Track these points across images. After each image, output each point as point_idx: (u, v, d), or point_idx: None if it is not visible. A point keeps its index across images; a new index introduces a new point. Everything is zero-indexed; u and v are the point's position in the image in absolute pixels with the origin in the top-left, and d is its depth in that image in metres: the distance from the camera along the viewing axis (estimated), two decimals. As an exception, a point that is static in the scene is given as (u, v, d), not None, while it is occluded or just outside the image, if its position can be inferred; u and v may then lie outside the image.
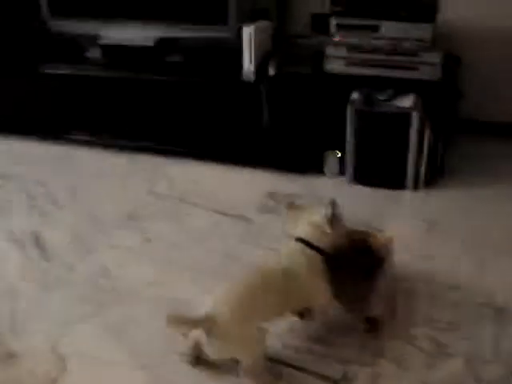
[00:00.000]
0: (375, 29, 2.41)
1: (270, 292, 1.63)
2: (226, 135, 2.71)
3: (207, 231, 2.32)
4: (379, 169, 2.51)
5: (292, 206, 1.84)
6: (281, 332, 1.79)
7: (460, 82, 2.72)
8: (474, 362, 1.71)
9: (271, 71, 2.50)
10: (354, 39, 2.44)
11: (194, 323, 1.59)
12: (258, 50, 2.54)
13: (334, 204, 1.72)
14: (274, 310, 1.67)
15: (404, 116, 2.38)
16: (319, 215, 1.73)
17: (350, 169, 2.57)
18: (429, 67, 2.40)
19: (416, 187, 2.53)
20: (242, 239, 2.27)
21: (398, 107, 2.39)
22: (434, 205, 2.41)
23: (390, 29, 2.39)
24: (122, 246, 2.25)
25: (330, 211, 1.71)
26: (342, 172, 2.62)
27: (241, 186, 2.62)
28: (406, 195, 2.53)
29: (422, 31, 2.36)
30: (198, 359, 1.69)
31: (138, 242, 2.26)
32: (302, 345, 1.77)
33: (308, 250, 1.71)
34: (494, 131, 2.98)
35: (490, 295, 1.95)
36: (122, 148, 2.93)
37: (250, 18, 2.72)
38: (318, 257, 1.72)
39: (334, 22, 2.44)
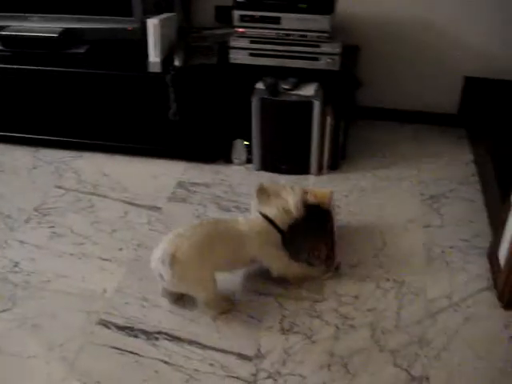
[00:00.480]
0: (277, 21, 2.48)
1: (227, 246, 1.87)
2: (135, 127, 2.71)
3: (117, 222, 2.33)
4: (284, 155, 2.60)
5: (262, 188, 2.03)
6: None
7: (359, 70, 2.85)
8: (377, 333, 1.84)
9: (177, 63, 2.53)
10: (256, 30, 2.51)
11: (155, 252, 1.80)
12: (164, 42, 2.56)
13: (303, 192, 1.98)
14: (227, 261, 1.90)
15: (306, 104, 2.47)
16: (288, 200, 1.97)
17: (256, 156, 2.64)
18: (329, 57, 2.50)
19: (320, 172, 2.64)
20: (152, 227, 2.30)
21: (301, 96, 2.49)
22: (337, 188, 2.52)
23: (290, 21, 2.47)
24: (31, 240, 2.23)
25: (298, 199, 1.97)
26: (249, 160, 2.69)
27: (151, 177, 2.63)
28: (310, 179, 2.62)
29: (321, 23, 2.45)
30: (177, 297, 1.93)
31: (47, 235, 2.25)
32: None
33: (270, 227, 1.95)
34: (392, 117, 3.13)
35: (390, 271, 2.09)
36: (27, 142, 2.86)
37: (155, 10, 2.74)
38: (277, 235, 1.96)
39: (236, 13, 2.50)
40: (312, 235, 2.13)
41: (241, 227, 1.93)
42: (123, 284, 2.01)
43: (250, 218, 2.01)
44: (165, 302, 1.93)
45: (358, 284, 2.03)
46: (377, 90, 3.06)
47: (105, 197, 2.48)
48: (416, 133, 3.05)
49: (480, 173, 2.67)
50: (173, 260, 1.75)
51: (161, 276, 1.80)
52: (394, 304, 1.95)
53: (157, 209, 2.39)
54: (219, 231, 1.89)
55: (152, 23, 2.49)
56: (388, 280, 2.05)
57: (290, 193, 2.00)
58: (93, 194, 2.50)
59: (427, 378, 1.69)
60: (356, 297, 1.98)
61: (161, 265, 1.77)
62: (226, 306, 1.92)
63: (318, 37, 2.48)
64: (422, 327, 1.86)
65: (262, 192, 2.03)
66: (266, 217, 1.96)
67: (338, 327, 1.85)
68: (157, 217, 2.36)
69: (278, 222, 1.96)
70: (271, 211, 1.97)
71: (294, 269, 2.00)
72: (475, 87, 2.98)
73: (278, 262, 1.97)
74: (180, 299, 1.94)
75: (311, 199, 2.05)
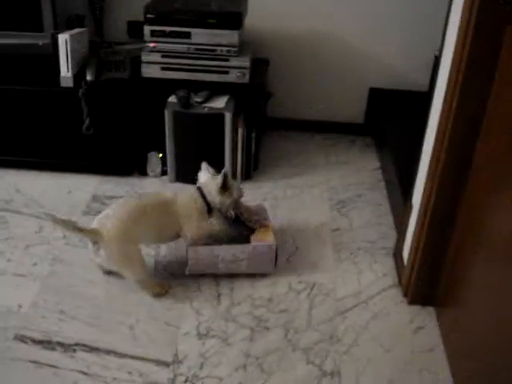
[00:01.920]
0: (187, 35, 2.54)
1: (153, 218, 2.00)
2: (48, 142, 2.69)
3: (31, 237, 2.31)
4: (199, 167, 2.63)
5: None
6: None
7: (269, 83, 2.95)
8: (290, 332, 1.92)
9: (89, 77, 2.55)
10: (167, 45, 2.56)
11: (80, 230, 1.94)
12: (75, 57, 2.57)
13: (225, 176, 2.10)
14: (155, 233, 2.05)
15: (218, 116, 2.54)
16: (214, 184, 2.11)
17: (171, 168, 2.68)
18: (238, 71, 2.58)
19: (234, 182, 2.71)
20: (67, 242, 2.30)
21: (212, 108, 2.55)
22: (251, 196, 2.58)
23: (200, 36, 2.54)
24: None
25: (220, 180, 2.09)
26: (164, 172, 2.73)
27: (65, 191, 2.62)
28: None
29: (230, 37, 2.53)
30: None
31: (-42, 253, 2.21)
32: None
33: (199, 198, 2.09)
34: (302, 127, 3.24)
35: (302, 274, 2.19)
36: None
37: (66, 25, 2.75)
38: (203, 206, 2.10)
39: (147, 28, 2.54)
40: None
41: (167, 198, 2.07)
42: (39, 298, 2.00)
43: (179, 191, 2.14)
44: (81, 315, 1.94)
45: (271, 287, 2.11)
46: (287, 102, 3.17)
47: (18, 213, 2.45)
48: (325, 142, 3.18)
49: (386, 178, 2.82)
50: (99, 239, 1.91)
51: (94, 255, 1.99)
52: (305, 304, 2.04)
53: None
54: (144, 204, 2.02)
55: (63, 38, 2.50)
56: (300, 282, 2.14)
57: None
58: (6, 210, 2.46)
59: (339, 373, 1.78)
60: (269, 299, 2.06)
61: (91, 245, 1.98)
62: (160, 289, 2.03)
63: (228, 51, 2.56)
64: (332, 325, 1.95)
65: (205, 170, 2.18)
66: (199, 188, 2.12)
67: (252, 329, 1.92)
68: (72, 231, 2.35)
69: (207, 195, 2.10)
70: (204, 186, 2.13)
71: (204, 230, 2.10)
72: (379, 97, 3.14)
73: (195, 230, 2.07)
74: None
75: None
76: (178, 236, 2.11)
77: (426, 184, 1.94)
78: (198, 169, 2.18)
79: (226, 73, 2.59)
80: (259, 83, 2.71)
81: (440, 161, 1.83)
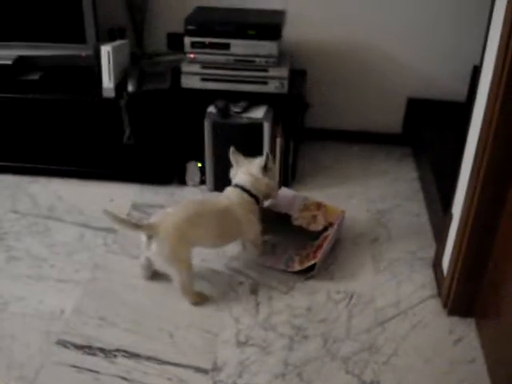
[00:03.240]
0: (226, 47, 2.57)
1: (213, 223, 2.06)
2: (90, 152, 2.74)
3: (73, 244, 2.36)
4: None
5: (234, 152, 2.26)
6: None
7: (307, 93, 2.96)
8: (329, 342, 1.91)
9: (130, 88, 2.60)
10: (207, 56, 2.60)
11: (138, 227, 1.98)
12: (117, 68, 2.62)
13: (267, 156, 2.19)
14: (214, 237, 2.11)
15: (256, 126, 2.56)
16: (255, 165, 2.21)
17: (209, 178, 2.71)
18: (277, 81, 2.60)
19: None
20: (108, 249, 2.34)
21: (251, 118, 2.58)
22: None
23: (239, 46, 2.57)
24: (-12, 264, 2.24)
25: (263, 162, 2.18)
26: (203, 181, 2.75)
27: (107, 199, 2.67)
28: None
29: (269, 48, 2.56)
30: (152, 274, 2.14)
31: (3, 259, 2.26)
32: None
33: (244, 194, 2.15)
34: (340, 138, 3.24)
35: (340, 283, 2.19)
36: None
37: (108, 37, 2.81)
38: (254, 201, 2.17)
39: (187, 40, 2.58)
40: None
41: (224, 202, 2.13)
42: (80, 304, 2.04)
43: (226, 193, 2.19)
44: (122, 321, 1.97)
45: (310, 296, 2.11)
46: (324, 112, 3.16)
47: (61, 220, 2.51)
48: (362, 152, 3.17)
49: (424, 188, 2.80)
50: (154, 234, 1.95)
51: (145, 249, 2.02)
52: (344, 314, 2.04)
53: (113, 231, 2.42)
54: (205, 209, 2.09)
55: (105, 50, 2.56)
56: (339, 292, 2.14)
57: (253, 161, 2.23)
58: (49, 217, 2.52)
59: (378, 383, 1.77)
60: (308, 308, 2.06)
61: (144, 240, 2.00)
62: (199, 299, 2.06)
63: (266, 62, 2.58)
64: (371, 335, 1.95)
65: (235, 159, 2.26)
66: (240, 187, 2.17)
67: (291, 338, 1.92)
68: (113, 238, 2.39)
69: (250, 188, 2.17)
70: (243, 180, 2.19)
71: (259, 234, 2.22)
72: (417, 107, 3.12)
73: (255, 228, 2.19)
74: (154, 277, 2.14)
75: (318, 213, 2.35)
76: (233, 241, 2.22)
77: (467, 194, 1.93)
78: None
79: (265, 83, 2.61)
80: (297, 93, 2.72)
81: (481, 171, 1.82)
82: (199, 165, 2.74)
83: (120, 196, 2.70)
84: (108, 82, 2.59)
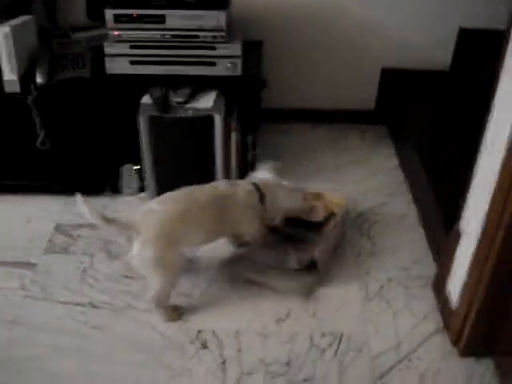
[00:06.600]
0: (160, 19, 2.05)
1: (207, 214, 1.76)
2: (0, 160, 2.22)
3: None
4: (184, 180, 2.15)
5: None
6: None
7: (263, 69, 2.48)
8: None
9: (39, 79, 2.04)
10: (136, 33, 2.06)
11: (113, 222, 1.66)
12: (21, 54, 2.06)
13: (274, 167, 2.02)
14: (202, 236, 1.81)
15: (205, 119, 2.07)
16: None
17: (150, 182, 2.22)
18: (228, 61, 2.10)
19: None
20: (28, 293, 1.83)
21: (198, 110, 2.08)
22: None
23: (177, 19, 2.05)
24: None
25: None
26: (142, 188, 2.27)
27: (23, 221, 2.15)
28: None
29: (216, 19, 2.04)
30: None
31: None
32: None
33: (253, 191, 1.88)
34: (303, 118, 2.82)
35: (324, 322, 1.75)
36: None
37: (7, 15, 2.20)
38: (257, 196, 1.87)
39: (109, 13, 2.03)
40: None
41: (224, 192, 1.83)
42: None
43: (234, 184, 1.92)
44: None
45: (287, 345, 1.67)
46: (285, 89, 2.74)
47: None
48: (331, 134, 2.73)
49: (408, 179, 2.38)
50: (136, 235, 1.66)
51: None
52: (334, 367, 1.61)
53: (31, 266, 1.93)
54: (196, 202, 1.76)
55: (2, 32, 1.98)
56: (323, 335, 1.71)
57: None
58: None
59: None
60: (288, 363, 1.62)
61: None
62: (174, 316, 1.78)
63: (213, 36, 2.08)
64: (372, 396, 1.53)
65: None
66: (254, 184, 1.91)
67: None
68: (31, 277, 1.89)
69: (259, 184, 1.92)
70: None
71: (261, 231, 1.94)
72: (393, 79, 2.69)
73: (256, 226, 1.91)
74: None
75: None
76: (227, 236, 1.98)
77: (493, 204, 1.50)
78: (183, 183, 1.78)
79: (213, 64, 2.11)
80: (254, 74, 2.23)
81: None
82: (136, 168, 2.25)
83: (40, 214, 2.19)
84: (9, 74, 2.03)
